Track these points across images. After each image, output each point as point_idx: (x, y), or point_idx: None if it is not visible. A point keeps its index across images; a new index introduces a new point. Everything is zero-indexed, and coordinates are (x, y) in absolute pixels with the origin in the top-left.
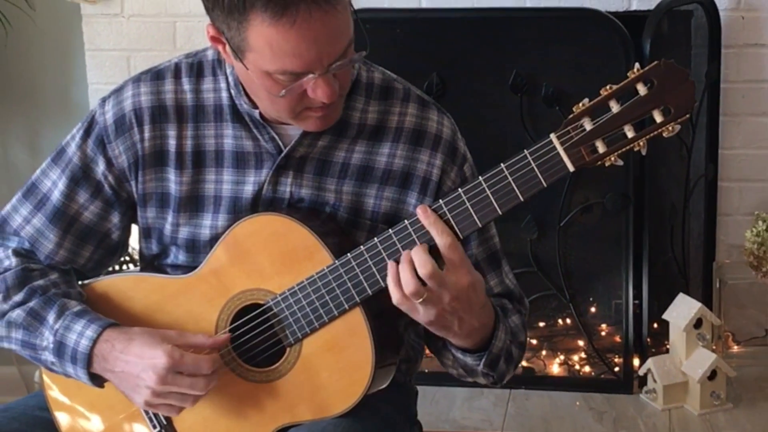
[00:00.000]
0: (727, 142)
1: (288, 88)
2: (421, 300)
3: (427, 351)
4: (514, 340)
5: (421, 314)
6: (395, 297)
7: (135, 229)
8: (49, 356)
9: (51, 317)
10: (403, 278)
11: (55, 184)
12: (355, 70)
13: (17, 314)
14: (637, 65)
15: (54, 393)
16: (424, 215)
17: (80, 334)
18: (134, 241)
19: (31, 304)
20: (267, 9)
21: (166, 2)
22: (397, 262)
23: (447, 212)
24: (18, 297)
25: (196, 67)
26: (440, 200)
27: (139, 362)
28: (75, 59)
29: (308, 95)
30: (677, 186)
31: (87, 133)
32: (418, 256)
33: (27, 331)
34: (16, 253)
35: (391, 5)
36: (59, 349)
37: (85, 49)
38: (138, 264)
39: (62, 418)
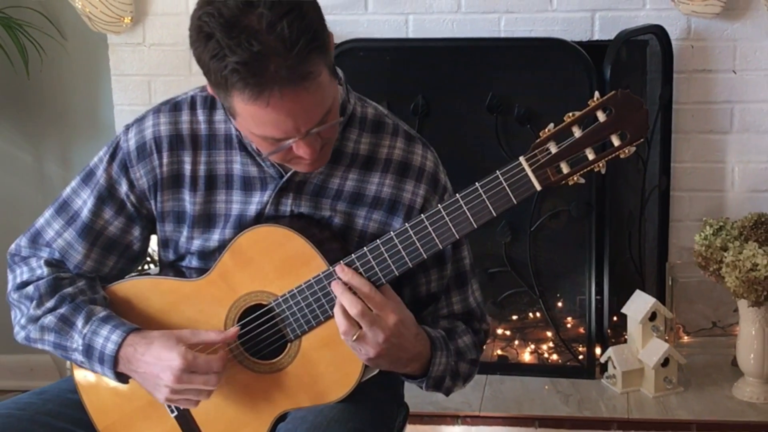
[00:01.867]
0: (679, 156)
1: (274, 149)
2: (355, 338)
3: None
4: (461, 359)
5: (363, 355)
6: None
7: (153, 237)
8: (78, 356)
9: (80, 322)
10: (337, 319)
11: (84, 203)
12: (350, 105)
13: (49, 320)
14: (597, 94)
15: (83, 378)
16: (340, 275)
17: (106, 338)
18: (155, 244)
19: (62, 310)
20: (244, 92)
21: (183, 33)
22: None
23: (428, 225)
24: (50, 303)
25: (210, 100)
26: (422, 215)
27: (158, 364)
28: (102, 83)
29: (293, 151)
30: (634, 195)
31: (112, 157)
32: (346, 299)
33: (59, 334)
34: (48, 263)
35: (382, 35)
36: (88, 351)
37: (111, 74)
38: (158, 265)
39: (91, 401)
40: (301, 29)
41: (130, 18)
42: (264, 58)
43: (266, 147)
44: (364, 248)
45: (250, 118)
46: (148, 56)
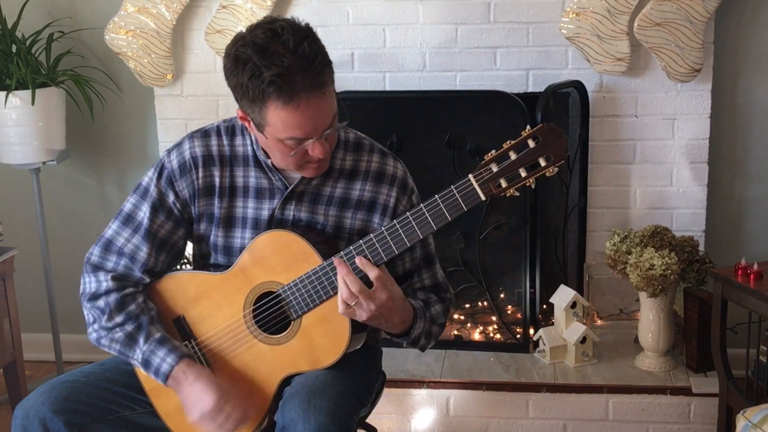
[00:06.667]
0: (593, 181)
1: (295, 150)
2: (354, 304)
3: None
4: (434, 323)
5: (358, 316)
6: (340, 308)
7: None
8: (137, 364)
9: (141, 340)
10: (342, 293)
11: (145, 214)
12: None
13: (119, 335)
14: (528, 126)
15: None
16: (359, 263)
17: (162, 359)
18: (188, 249)
19: (128, 328)
20: (279, 98)
21: (212, 86)
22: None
23: (399, 228)
24: (118, 319)
25: (231, 129)
26: (394, 220)
27: (196, 399)
28: (150, 125)
29: (308, 153)
30: (559, 211)
31: (159, 175)
32: (348, 278)
33: (125, 346)
34: (114, 278)
35: (365, 89)
36: (146, 363)
37: (156, 119)
38: (191, 264)
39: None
40: (316, 49)
41: (171, 75)
42: (293, 71)
43: (288, 150)
44: (360, 241)
45: (280, 123)
46: (185, 104)
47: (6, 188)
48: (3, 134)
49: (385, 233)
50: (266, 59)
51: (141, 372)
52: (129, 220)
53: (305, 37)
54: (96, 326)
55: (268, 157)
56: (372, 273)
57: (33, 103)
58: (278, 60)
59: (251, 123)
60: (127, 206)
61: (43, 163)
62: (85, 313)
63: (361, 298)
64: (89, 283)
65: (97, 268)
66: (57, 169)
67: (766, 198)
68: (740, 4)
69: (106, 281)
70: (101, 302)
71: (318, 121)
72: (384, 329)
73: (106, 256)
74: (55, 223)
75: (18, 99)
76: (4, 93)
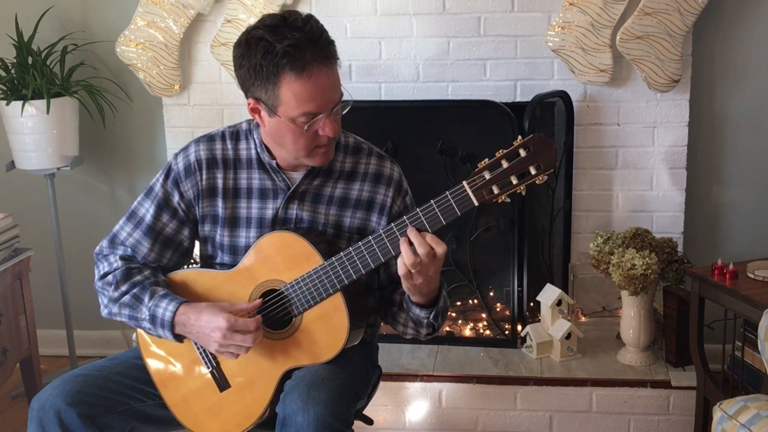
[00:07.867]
0: (578, 186)
1: (308, 124)
2: (418, 269)
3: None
4: (445, 303)
5: (414, 279)
6: (402, 269)
7: (196, 243)
8: (146, 324)
9: (146, 299)
10: (408, 257)
11: (148, 211)
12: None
13: (126, 299)
14: (519, 137)
15: (146, 347)
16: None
17: (165, 309)
18: (195, 250)
19: (135, 291)
20: (293, 69)
21: (217, 96)
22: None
23: (396, 231)
24: (124, 288)
25: (235, 134)
26: (392, 224)
27: (208, 326)
28: (158, 133)
29: (319, 135)
30: (545, 214)
31: (166, 176)
32: (417, 239)
33: (132, 308)
34: (122, 258)
35: (362, 98)
36: (152, 319)
37: (165, 127)
38: (198, 263)
39: (150, 363)
40: (321, 28)
41: (178, 85)
42: (303, 44)
43: (300, 129)
44: (359, 243)
45: (293, 98)
46: (192, 113)
47: (22, 192)
48: (20, 141)
49: (383, 235)
50: (277, 35)
51: (151, 365)
52: (132, 216)
53: (310, 18)
54: (106, 301)
55: (272, 158)
56: (442, 248)
57: (48, 112)
58: (289, 34)
59: (262, 112)
60: (134, 204)
61: (58, 168)
62: (99, 295)
63: (425, 260)
64: (102, 268)
65: (106, 256)
66: (71, 175)
67: (741, 201)
68: (717, 18)
69: (115, 261)
70: (110, 277)
71: (328, 95)
72: (421, 296)
73: (113, 249)
74: (68, 226)
75: (34, 108)
76: (20, 102)
